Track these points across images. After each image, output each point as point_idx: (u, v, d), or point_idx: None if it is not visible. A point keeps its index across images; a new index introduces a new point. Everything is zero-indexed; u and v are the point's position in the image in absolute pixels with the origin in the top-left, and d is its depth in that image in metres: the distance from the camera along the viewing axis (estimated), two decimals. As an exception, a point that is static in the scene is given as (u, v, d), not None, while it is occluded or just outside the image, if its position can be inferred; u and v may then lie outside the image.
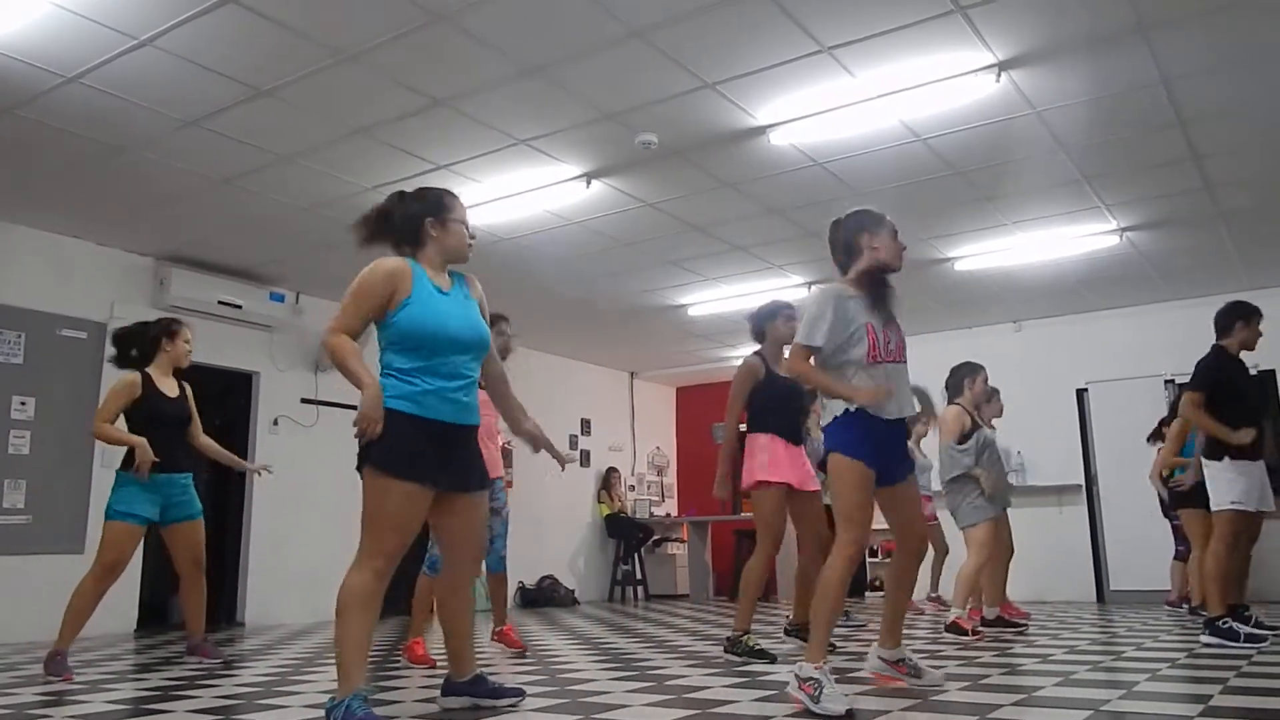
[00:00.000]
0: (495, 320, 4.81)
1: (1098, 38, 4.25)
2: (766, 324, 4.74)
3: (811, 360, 3.25)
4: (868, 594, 9.67)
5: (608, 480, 11.03)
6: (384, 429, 2.74)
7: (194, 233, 6.64)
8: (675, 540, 11.37)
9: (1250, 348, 4.94)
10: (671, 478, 12.43)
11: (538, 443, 3.48)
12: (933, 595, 7.74)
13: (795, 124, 5.07)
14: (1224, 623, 4.52)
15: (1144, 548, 7.78)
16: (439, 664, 4.30)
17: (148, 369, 4.53)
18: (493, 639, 4.99)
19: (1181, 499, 6.17)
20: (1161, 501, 6.70)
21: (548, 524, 9.92)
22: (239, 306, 7.23)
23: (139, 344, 4.57)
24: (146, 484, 4.30)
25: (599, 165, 5.63)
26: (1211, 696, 3.04)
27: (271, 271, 7.46)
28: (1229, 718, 2.69)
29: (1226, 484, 4.66)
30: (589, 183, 5.81)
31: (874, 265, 3.32)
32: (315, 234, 6.63)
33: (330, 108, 4.83)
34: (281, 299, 7.70)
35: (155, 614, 7.26)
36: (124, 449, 4.39)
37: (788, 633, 4.99)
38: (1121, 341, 8.82)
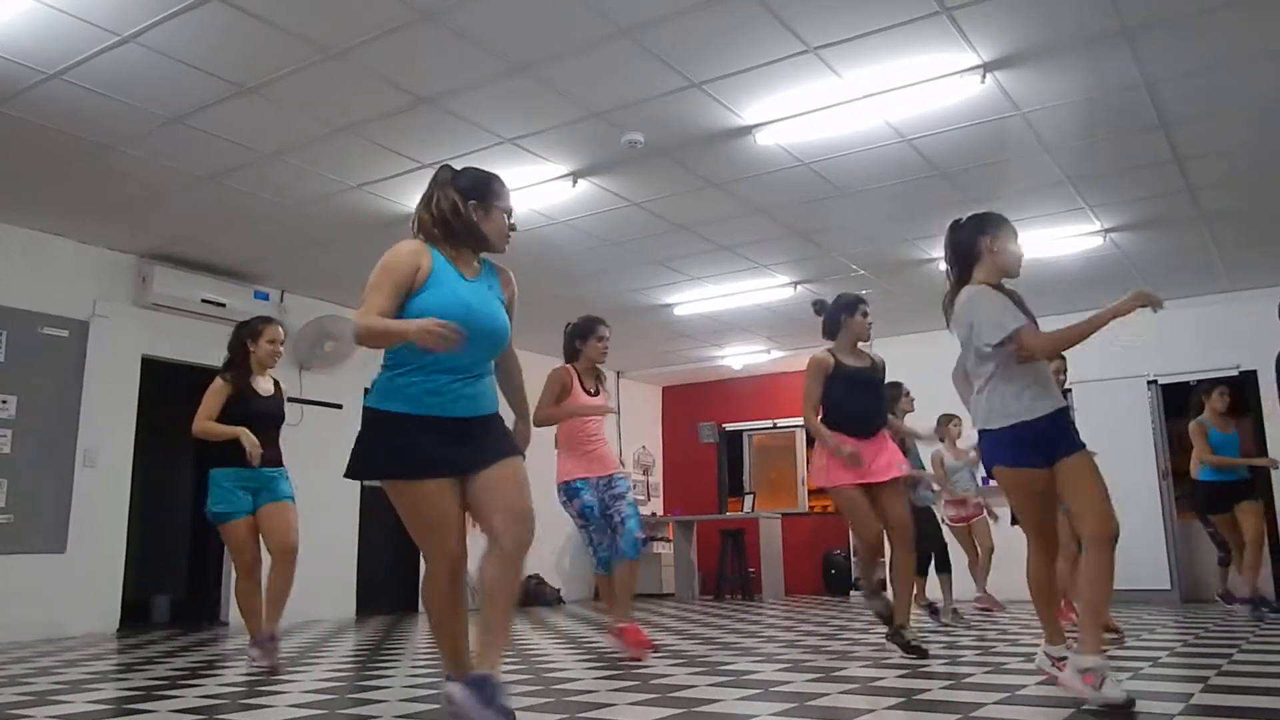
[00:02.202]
0: (595, 324, 4.87)
1: (1082, 40, 4.28)
2: (844, 316, 4.63)
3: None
4: (852, 593, 9.70)
5: (594, 479, 11.01)
6: (379, 432, 2.67)
7: (177, 230, 6.60)
8: (661, 540, 11.37)
9: None
10: (657, 477, 12.43)
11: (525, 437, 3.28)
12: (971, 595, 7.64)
13: (781, 124, 5.08)
14: None
15: (1128, 547, 7.79)
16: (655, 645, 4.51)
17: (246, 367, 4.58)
18: (612, 634, 4.72)
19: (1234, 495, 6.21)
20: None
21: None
22: (223, 305, 7.18)
23: (232, 346, 4.62)
24: (240, 478, 4.37)
25: (585, 164, 5.63)
26: (1193, 695, 3.06)
27: (256, 269, 7.42)
28: (1211, 715, 2.71)
29: None
30: (575, 182, 5.80)
31: (995, 269, 3.26)
32: (300, 232, 6.60)
33: (315, 105, 4.81)
34: (266, 297, 7.66)
35: (138, 613, 7.22)
36: (186, 450, 4.53)
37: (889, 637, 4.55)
38: (1106, 343, 8.85)
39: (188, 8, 3.90)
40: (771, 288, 8.11)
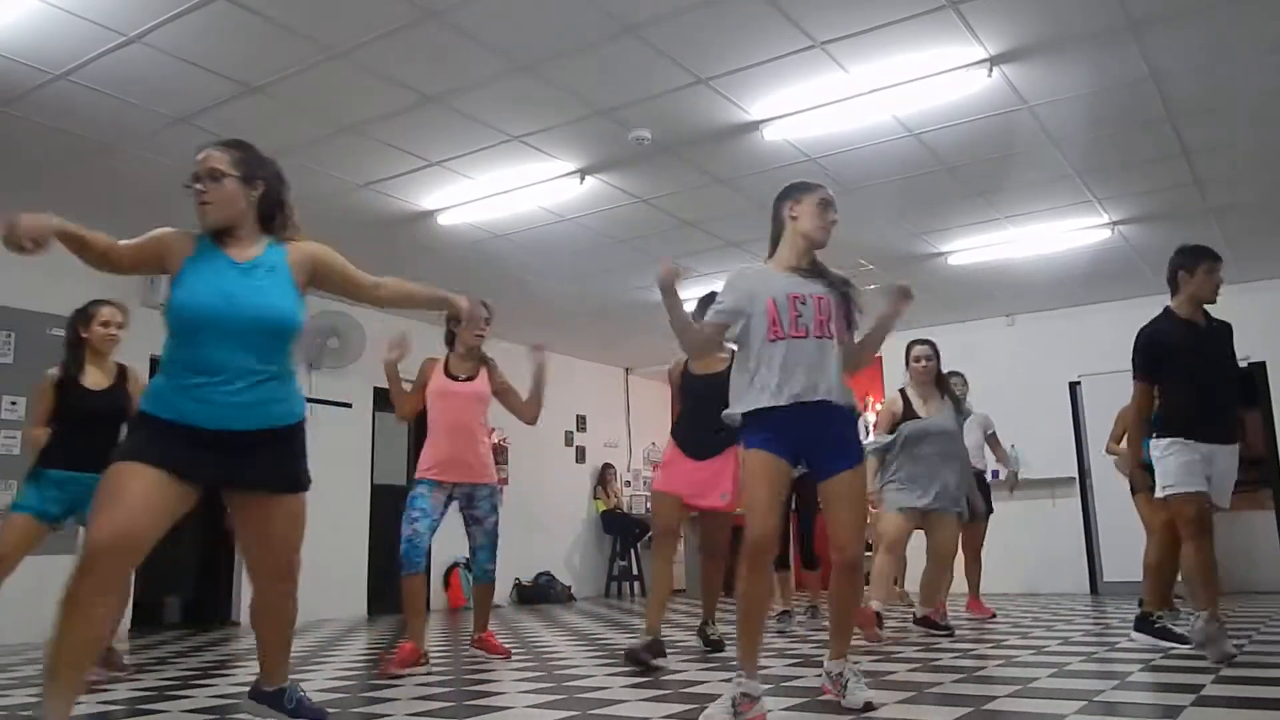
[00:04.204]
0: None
1: (1089, 33, 4.26)
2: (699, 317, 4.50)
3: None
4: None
5: (603, 476, 11.02)
6: (130, 430, 2.50)
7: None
8: (670, 536, 11.36)
9: (1208, 301, 4.03)
10: (666, 474, 12.41)
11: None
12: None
13: (789, 119, 5.07)
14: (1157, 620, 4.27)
15: (1137, 540, 7.77)
16: (425, 661, 4.27)
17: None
18: (473, 644, 4.61)
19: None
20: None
21: (544, 520, 9.90)
22: (231, 304, 7.17)
23: (67, 337, 4.16)
24: (52, 482, 3.96)
25: (593, 161, 5.63)
26: (1204, 686, 3.05)
27: (263, 269, 7.43)
28: (1221, 707, 2.70)
29: (1163, 466, 4.01)
30: (583, 179, 5.80)
31: (797, 236, 2.97)
32: (307, 231, 6.59)
33: (321, 104, 4.82)
34: (273, 297, 7.66)
35: (149, 614, 7.24)
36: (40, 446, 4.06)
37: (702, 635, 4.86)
38: (1114, 335, 8.77)
39: (193, 7, 3.90)
40: (778, 283, 8.10)
